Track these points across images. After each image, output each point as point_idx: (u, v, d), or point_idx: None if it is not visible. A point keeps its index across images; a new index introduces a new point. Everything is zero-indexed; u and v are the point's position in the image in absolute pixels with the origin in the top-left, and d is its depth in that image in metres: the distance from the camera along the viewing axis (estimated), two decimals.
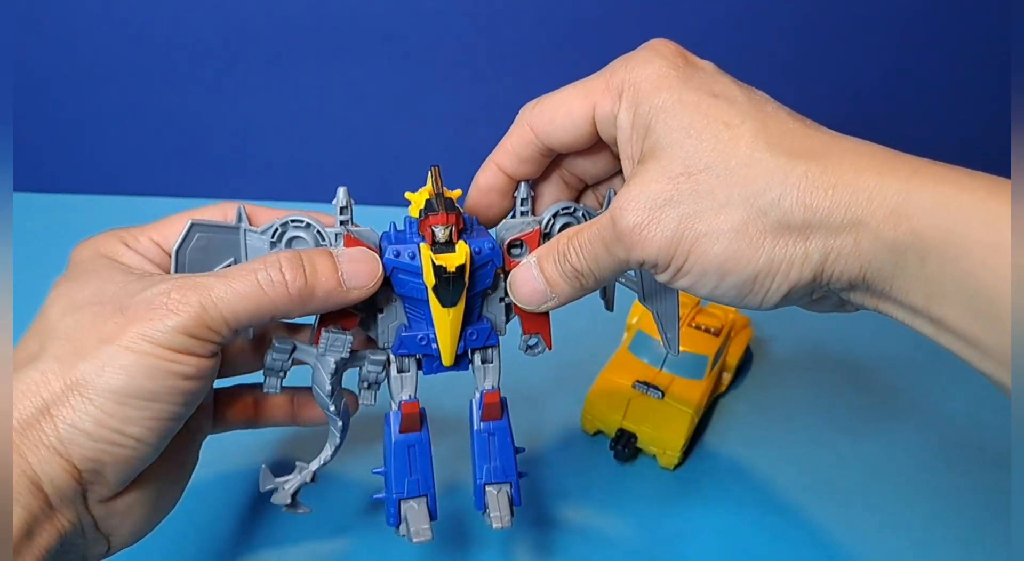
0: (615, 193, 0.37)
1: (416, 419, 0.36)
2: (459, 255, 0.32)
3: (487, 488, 0.37)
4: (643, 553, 0.45)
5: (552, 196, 0.37)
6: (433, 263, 0.32)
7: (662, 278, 0.31)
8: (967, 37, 0.63)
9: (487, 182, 0.36)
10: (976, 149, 0.69)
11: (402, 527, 0.36)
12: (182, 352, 0.30)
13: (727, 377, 0.54)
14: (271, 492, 0.38)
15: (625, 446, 0.47)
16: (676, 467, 0.49)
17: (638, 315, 0.54)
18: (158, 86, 0.66)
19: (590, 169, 0.37)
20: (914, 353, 0.56)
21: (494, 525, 0.37)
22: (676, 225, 0.29)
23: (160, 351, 0.29)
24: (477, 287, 0.35)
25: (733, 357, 0.53)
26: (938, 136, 0.69)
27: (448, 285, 0.33)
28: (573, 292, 0.34)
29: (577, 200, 0.38)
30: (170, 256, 0.34)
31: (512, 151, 0.35)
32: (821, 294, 0.30)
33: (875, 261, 0.27)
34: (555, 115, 0.33)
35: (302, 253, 0.32)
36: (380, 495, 0.37)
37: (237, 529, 0.45)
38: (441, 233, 0.33)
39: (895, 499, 0.48)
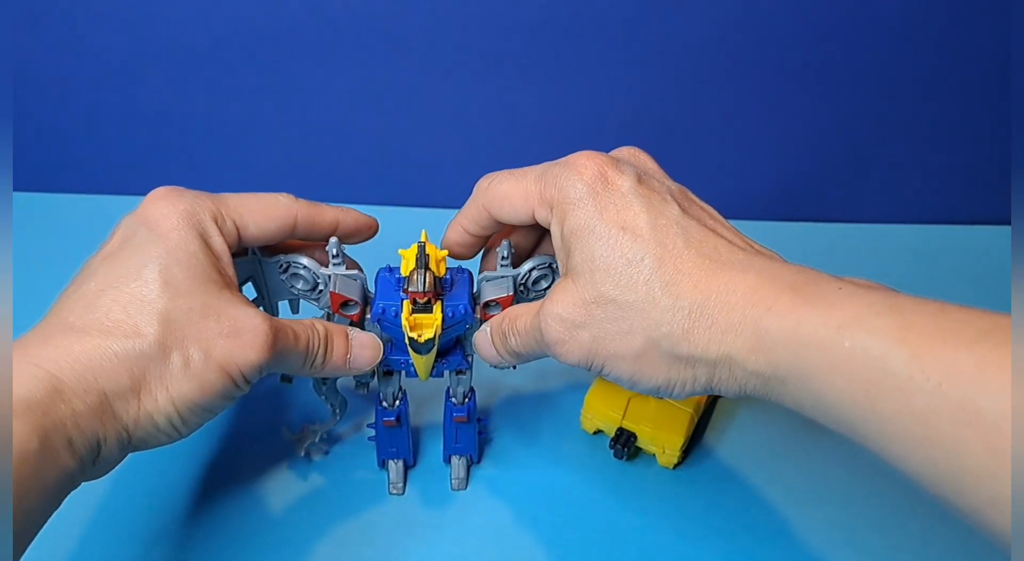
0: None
1: (395, 424, 0.45)
2: (430, 324, 0.38)
3: (451, 457, 0.47)
4: (643, 552, 0.45)
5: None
6: (408, 334, 0.38)
7: (589, 372, 0.37)
8: (968, 39, 0.64)
9: (454, 239, 0.41)
10: (975, 150, 0.70)
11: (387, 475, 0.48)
12: (249, 382, 0.36)
13: None
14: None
15: (625, 445, 0.47)
16: (676, 466, 0.49)
17: None
18: (158, 86, 0.66)
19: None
20: None
21: (453, 485, 0.47)
22: (590, 345, 0.35)
23: (239, 379, 0.35)
24: (449, 336, 0.41)
25: None
26: (939, 136, 0.69)
27: (419, 346, 0.39)
28: (519, 362, 0.41)
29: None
30: (241, 241, 0.38)
31: (471, 219, 0.40)
32: None
33: (748, 384, 0.32)
34: (503, 204, 0.38)
35: (331, 331, 0.40)
36: (372, 437, 0.46)
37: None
38: (420, 301, 0.38)
39: (895, 498, 0.48)
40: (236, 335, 0.34)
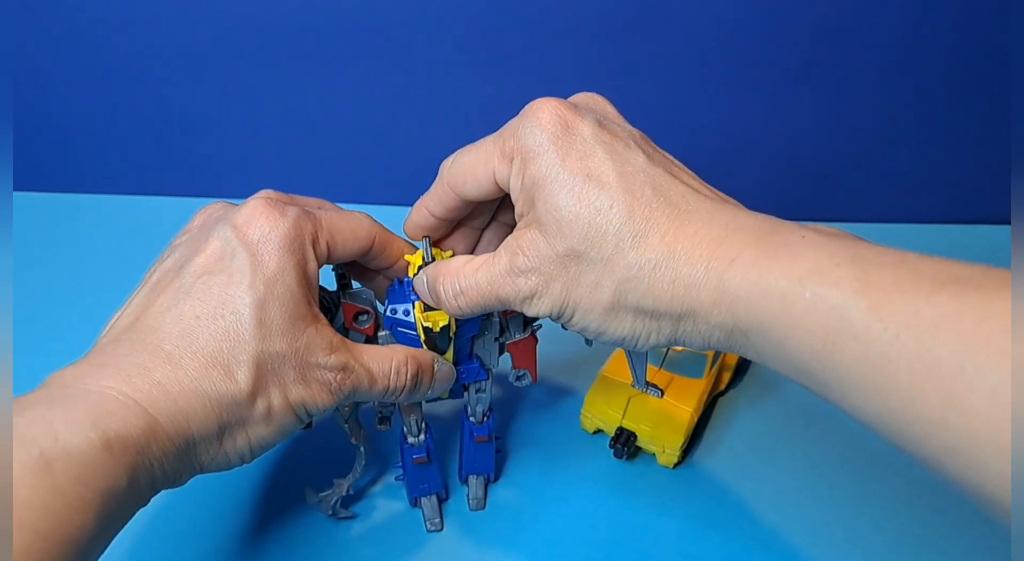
0: None
1: (425, 461, 0.44)
2: (444, 314, 0.38)
3: (469, 477, 0.47)
4: (643, 552, 0.45)
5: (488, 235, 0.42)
6: (422, 324, 0.38)
7: (554, 322, 0.36)
8: (968, 39, 0.64)
9: (416, 220, 0.40)
10: (975, 150, 0.70)
11: (422, 512, 0.46)
12: (313, 417, 0.37)
13: (727, 376, 0.54)
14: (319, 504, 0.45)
15: (625, 444, 0.47)
16: (676, 465, 0.49)
17: None
18: (158, 86, 0.66)
19: (507, 215, 0.42)
20: None
21: (471, 506, 0.47)
22: (563, 295, 0.34)
23: (306, 418, 0.36)
24: (464, 335, 0.41)
25: (732, 356, 0.53)
26: (939, 136, 0.69)
27: (435, 339, 0.39)
28: (458, 314, 0.38)
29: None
30: (328, 261, 0.38)
31: (436, 201, 0.39)
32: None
33: (712, 336, 0.32)
34: (465, 178, 0.37)
35: (420, 362, 0.39)
36: (400, 477, 0.46)
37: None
38: None
39: (895, 498, 0.48)
40: (311, 382, 0.35)
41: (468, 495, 0.47)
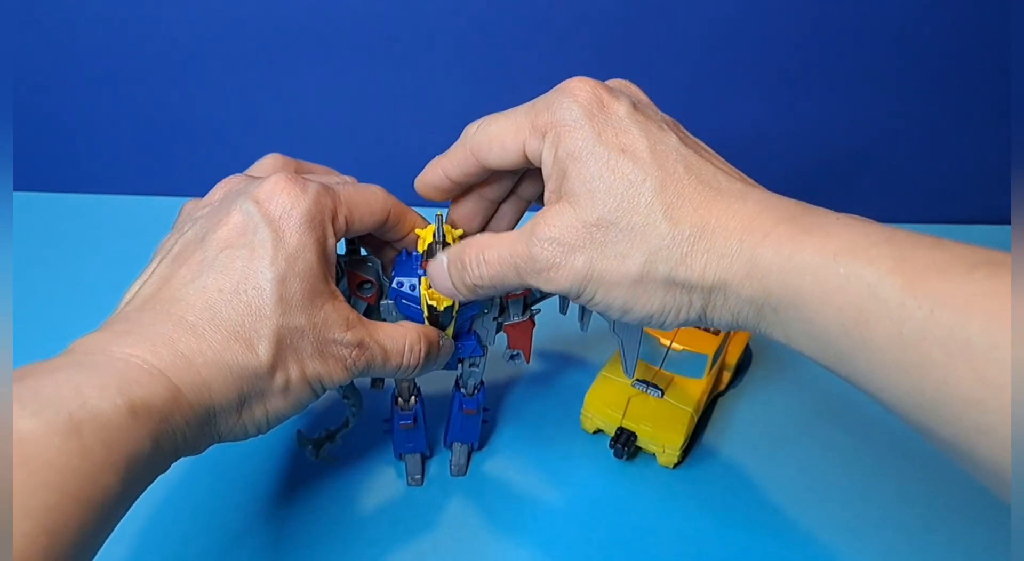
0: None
1: (411, 427, 0.46)
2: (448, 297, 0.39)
3: (453, 444, 0.48)
4: (643, 552, 0.45)
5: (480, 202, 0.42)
6: (427, 301, 0.39)
7: (575, 301, 0.36)
8: (968, 40, 0.64)
9: (431, 180, 0.40)
10: (975, 150, 0.70)
11: (404, 466, 0.48)
12: (326, 390, 0.37)
13: (727, 376, 0.54)
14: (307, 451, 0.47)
15: (625, 444, 0.47)
16: (676, 466, 0.49)
17: None
18: (158, 86, 0.66)
19: (527, 189, 0.42)
20: None
21: (453, 471, 0.48)
22: (586, 268, 0.33)
23: (321, 392, 0.36)
24: (466, 314, 0.41)
25: (732, 356, 0.53)
26: (939, 136, 0.69)
27: (439, 316, 0.40)
28: (474, 297, 0.38)
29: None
30: (346, 234, 0.38)
31: (455, 164, 0.39)
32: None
33: (741, 312, 0.32)
34: (492, 146, 0.37)
35: (431, 342, 0.40)
36: (387, 430, 0.47)
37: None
38: None
39: (895, 497, 0.48)
40: (327, 357, 0.36)
41: (451, 461, 0.48)
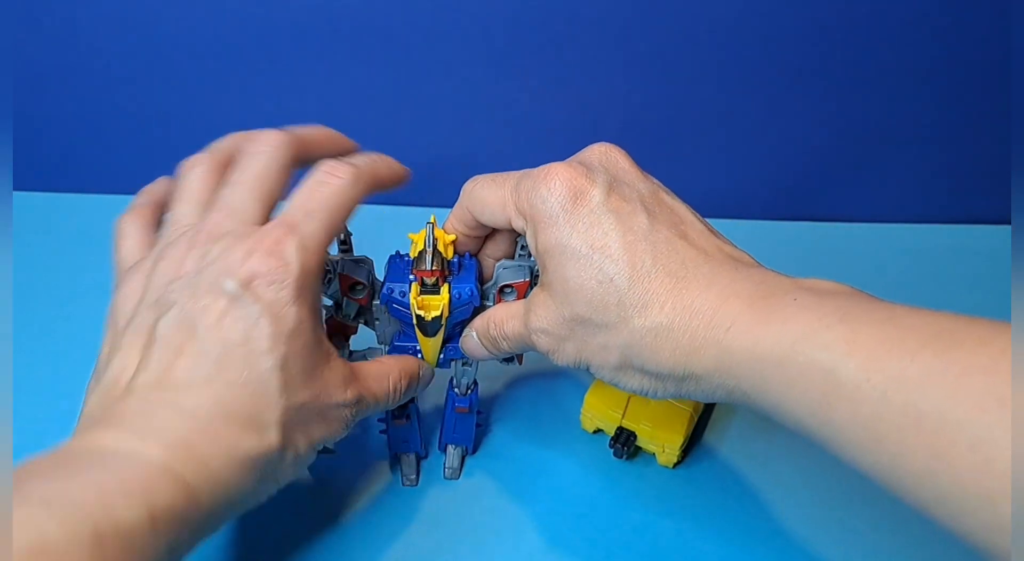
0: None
1: (404, 423, 0.46)
2: (436, 305, 0.40)
3: (447, 446, 0.48)
4: (642, 551, 0.45)
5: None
6: (416, 310, 0.40)
7: None
8: (968, 39, 0.64)
9: (451, 233, 0.43)
10: (975, 150, 0.70)
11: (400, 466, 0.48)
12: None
13: None
14: None
15: (625, 444, 0.47)
16: (676, 465, 0.49)
17: None
18: (158, 86, 0.66)
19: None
20: None
21: (446, 474, 0.48)
22: (576, 354, 0.37)
23: (320, 448, 0.38)
24: (456, 319, 0.42)
25: None
26: (939, 136, 0.69)
27: (427, 325, 0.41)
28: (505, 355, 0.43)
29: None
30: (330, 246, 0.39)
31: (459, 220, 0.42)
32: None
33: (715, 393, 0.34)
34: (483, 210, 0.40)
35: (411, 373, 0.42)
36: (384, 431, 0.47)
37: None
38: (428, 281, 0.40)
39: (894, 497, 0.48)
40: (330, 421, 0.37)
41: (444, 464, 0.48)
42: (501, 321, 0.41)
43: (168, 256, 0.37)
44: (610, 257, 0.35)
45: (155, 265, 0.37)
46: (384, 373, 0.40)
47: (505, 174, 0.39)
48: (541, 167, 0.38)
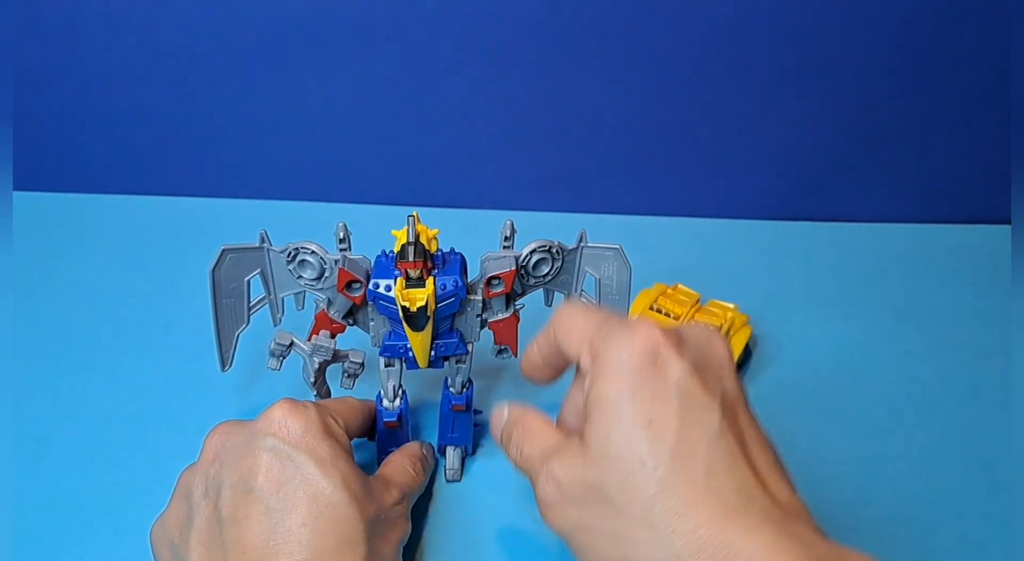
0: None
1: (395, 426, 0.46)
2: (422, 295, 0.40)
3: (446, 448, 0.48)
4: None
5: None
6: (401, 302, 0.40)
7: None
8: (968, 39, 0.64)
9: (529, 361, 0.40)
10: (975, 150, 0.70)
11: None
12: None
13: None
14: None
15: None
16: None
17: (636, 313, 0.54)
18: (158, 86, 0.66)
19: None
20: (912, 352, 0.57)
21: (447, 476, 0.48)
22: (572, 528, 0.33)
23: (408, 525, 0.42)
24: (444, 313, 0.42)
25: (733, 354, 0.53)
26: (939, 136, 0.69)
27: (413, 317, 0.41)
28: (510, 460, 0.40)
29: None
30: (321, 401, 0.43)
31: (543, 341, 0.39)
32: None
33: None
34: (566, 335, 0.37)
35: (419, 458, 0.45)
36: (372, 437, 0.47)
37: None
38: (412, 274, 0.40)
39: (894, 497, 0.48)
40: (394, 525, 0.40)
41: (444, 466, 0.48)
42: (531, 435, 0.37)
43: (201, 458, 0.40)
44: (661, 443, 0.30)
45: (192, 469, 0.40)
46: (400, 466, 0.43)
47: (599, 308, 0.39)
48: (635, 318, 0.36)
